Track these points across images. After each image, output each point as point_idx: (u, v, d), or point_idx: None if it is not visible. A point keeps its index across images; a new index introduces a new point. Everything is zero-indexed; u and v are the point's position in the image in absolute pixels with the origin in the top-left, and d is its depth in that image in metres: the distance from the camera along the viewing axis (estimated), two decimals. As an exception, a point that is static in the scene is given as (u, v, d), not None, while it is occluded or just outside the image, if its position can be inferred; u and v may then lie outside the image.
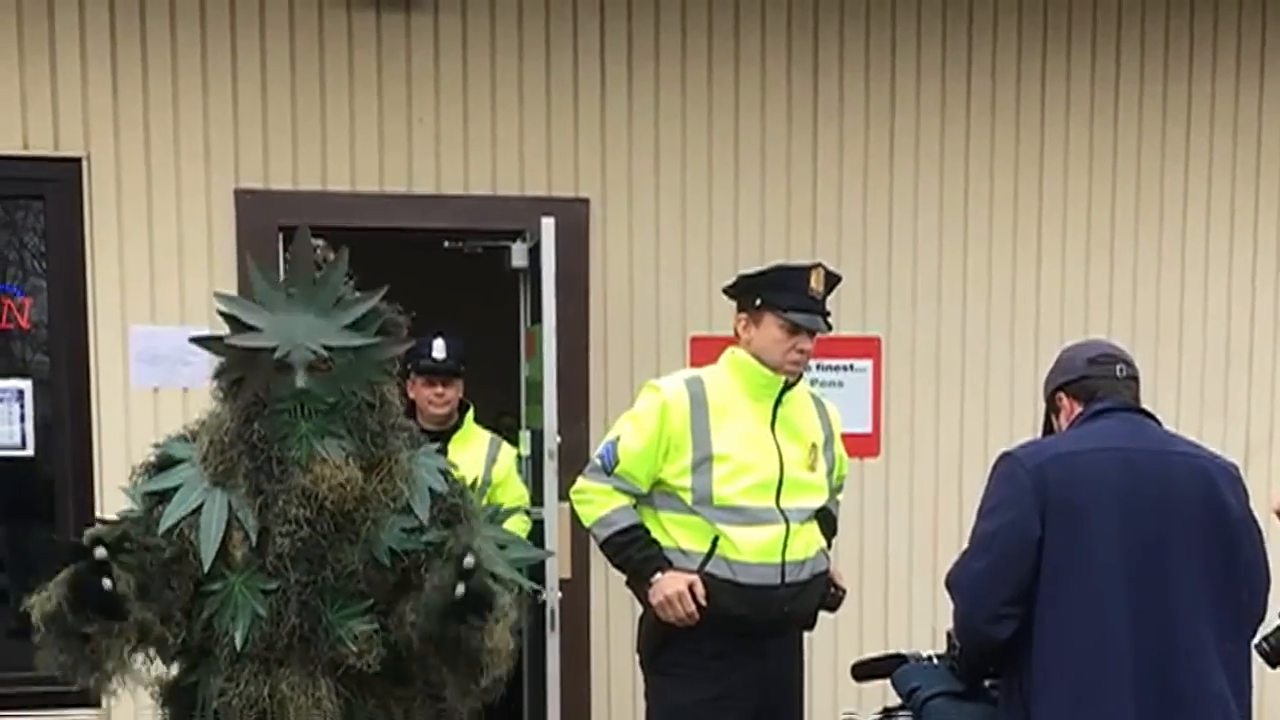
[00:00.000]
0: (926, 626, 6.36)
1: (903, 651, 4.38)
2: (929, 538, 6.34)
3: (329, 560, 3.53)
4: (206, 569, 3.50)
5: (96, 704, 5.38)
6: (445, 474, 3.78)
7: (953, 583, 3.77)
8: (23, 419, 5.67)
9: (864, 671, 4.43)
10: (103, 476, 5.61)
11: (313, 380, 3.52)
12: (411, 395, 5.79)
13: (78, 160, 5.63)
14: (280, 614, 3.52)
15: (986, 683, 3.99)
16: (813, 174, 6.20)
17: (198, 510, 3.52)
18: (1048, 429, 3.97)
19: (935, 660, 4.22)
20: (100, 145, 5.63)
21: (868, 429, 6.29)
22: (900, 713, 4.22)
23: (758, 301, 4.41)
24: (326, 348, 3.54)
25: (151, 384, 5.71)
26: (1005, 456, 3.74)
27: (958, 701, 3.98)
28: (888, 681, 4.29)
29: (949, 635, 4.09)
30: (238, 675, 3.57)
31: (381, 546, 3.56)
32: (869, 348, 6.28)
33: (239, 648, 3.50)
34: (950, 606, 3.82)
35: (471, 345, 5.94)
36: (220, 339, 3.60)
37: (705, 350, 5.70)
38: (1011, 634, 3.63)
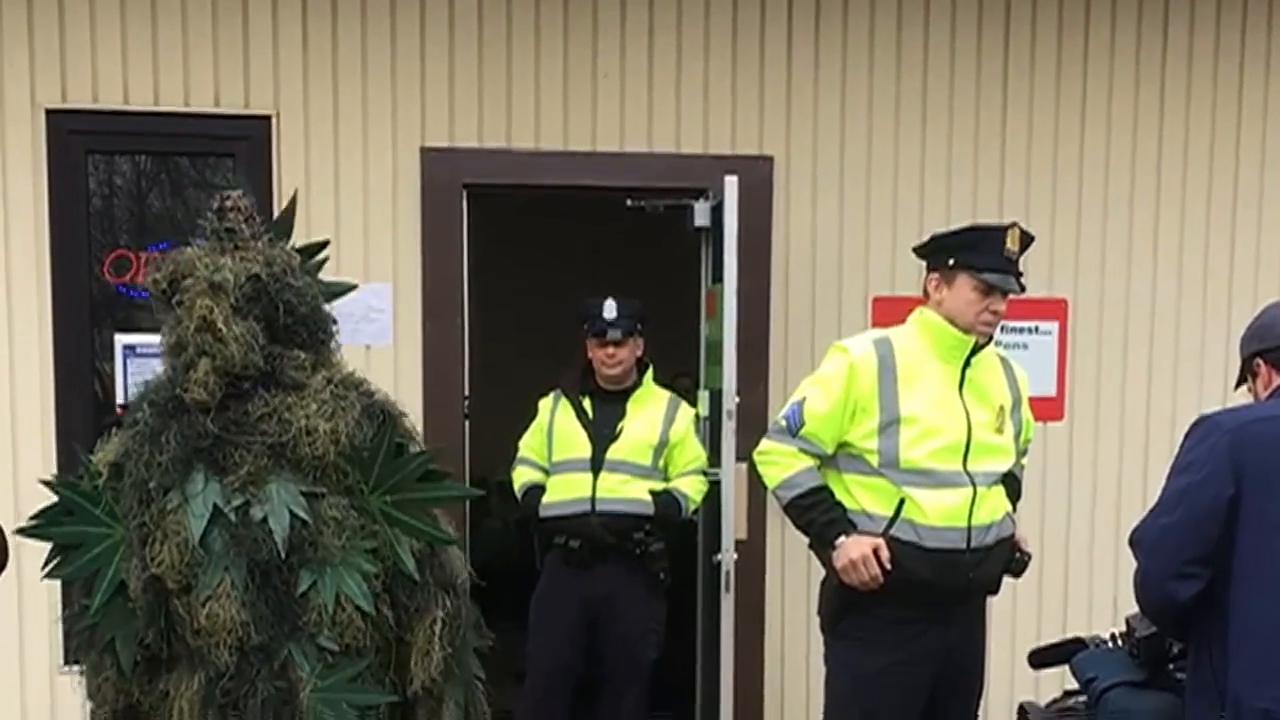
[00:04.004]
0: (1108, 596, 6.26)
1: (1080, 636, 4.30)
2: (1112, 505, 6.23)
3: None
4: None
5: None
6: None
7: (1137, 539, 3.65)
8: (209, 376, 5.75)
9: (1040, 659, 4.37)
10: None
11: None
12: (590, 355, 5.84)
13: (267, 118, 5.71)
14: None
15: (1170, 666, 3.90)
16: (1001, 133, 6.09)
17: None
18: (1240, 383, 3.86)
19: (1116, 642, 4.13)
20: (289, 103, 5.71)
21: (1052, 392, 6.18)
22: (1077, 698, 4.14)
23: (951, 261, 4.33)
24: None
25: (335, 340, 5.77)
26: (1203, 420, 3.63)
27: (1136, 691, 3.90)
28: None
29: (1128, 621, 4.01)
30: None
31: None
32: (1055, 310, 6.17)
33: None
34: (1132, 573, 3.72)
35: (650, 305, 5.95)
36: None
37: (888, 311, 5.66)
38: (1192, 597, 3.52)
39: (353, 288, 4.00)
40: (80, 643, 3.56)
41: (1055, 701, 4.38)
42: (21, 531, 3.53)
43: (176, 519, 3.39)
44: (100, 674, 3.50)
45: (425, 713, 3.65)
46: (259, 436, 3.46)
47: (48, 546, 3.57)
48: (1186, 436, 3.64)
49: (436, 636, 3.59)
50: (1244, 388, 3.84)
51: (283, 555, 3.41)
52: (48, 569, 3.54)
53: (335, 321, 3.86)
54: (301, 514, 3.43)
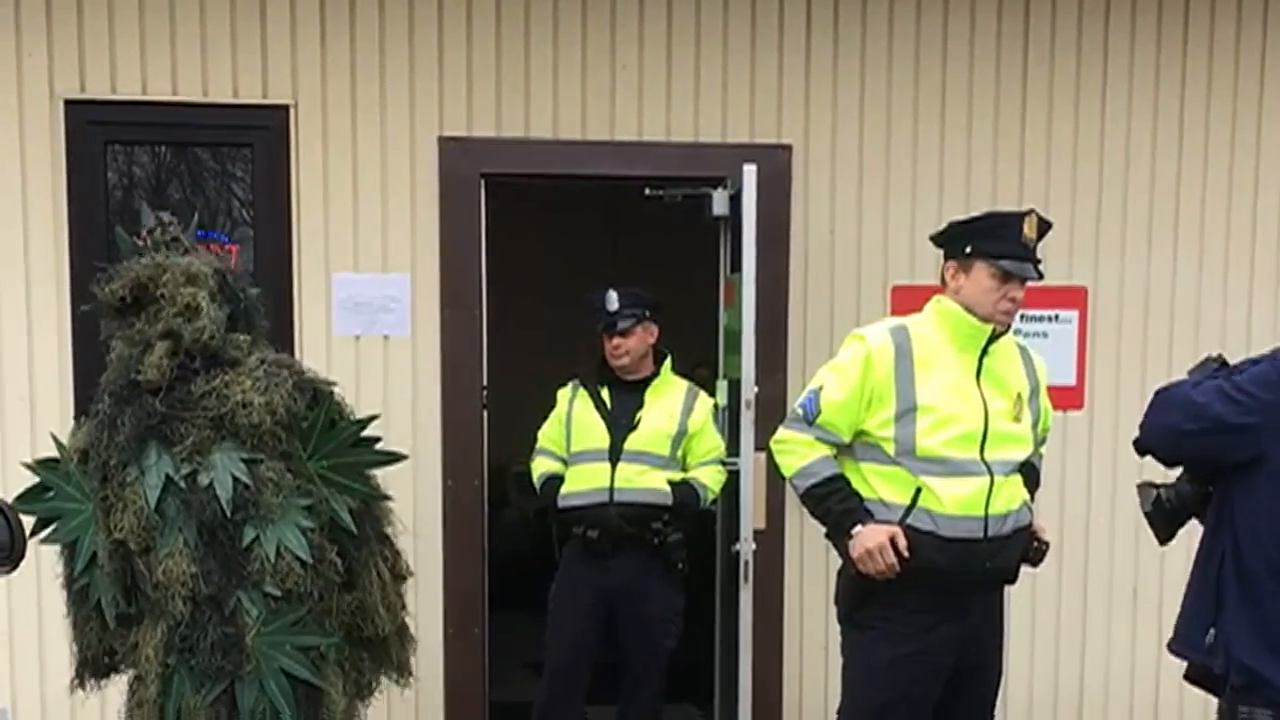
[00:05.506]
0: (1128, 586, 6.25)
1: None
2: (1132, 495, 6.10)
3: None
4: None
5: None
6: None
7: (1157, 409, 3.95)
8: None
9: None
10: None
11: None
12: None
13: (285, 108, 5.72)
14: None
15: None
16: (1021, 121, 6.07)
17: None
18: None
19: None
20: (308, 93, 5.72)
21: (1072, 381, 6.16)
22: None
23: (968, 249, 4.32)
24: None
25: (353, 331, 5.79)
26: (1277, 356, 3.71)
27: None
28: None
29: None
30: None
31: None
32: (1075, 298, 6.14)
33: None
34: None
35: (668, 294, 5.94)
36: None
37: (906, 300, 5.64)
38: None
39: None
40: (73, 598, 4.11)
41: None
42: (9, 506, 3.87)
43: (134, 490, 3.88)
44: (88, 624, 4.08)
45: (389, 647, 4.29)
46: (201, 411, 3.93)
47: (59, 551, 4.10)
48: (1268, 362, 3.74)
49: (389, 585, 4.17)
50: None
51: (228, 514, 3.89)
52: (35, 538, 4.01)
53: (262, 312, 4.40)
54: (242, 477, 3.90)
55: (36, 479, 4.10)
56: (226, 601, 3.89)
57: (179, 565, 3.84)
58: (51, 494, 4.06)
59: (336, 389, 4.22)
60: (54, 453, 4.15)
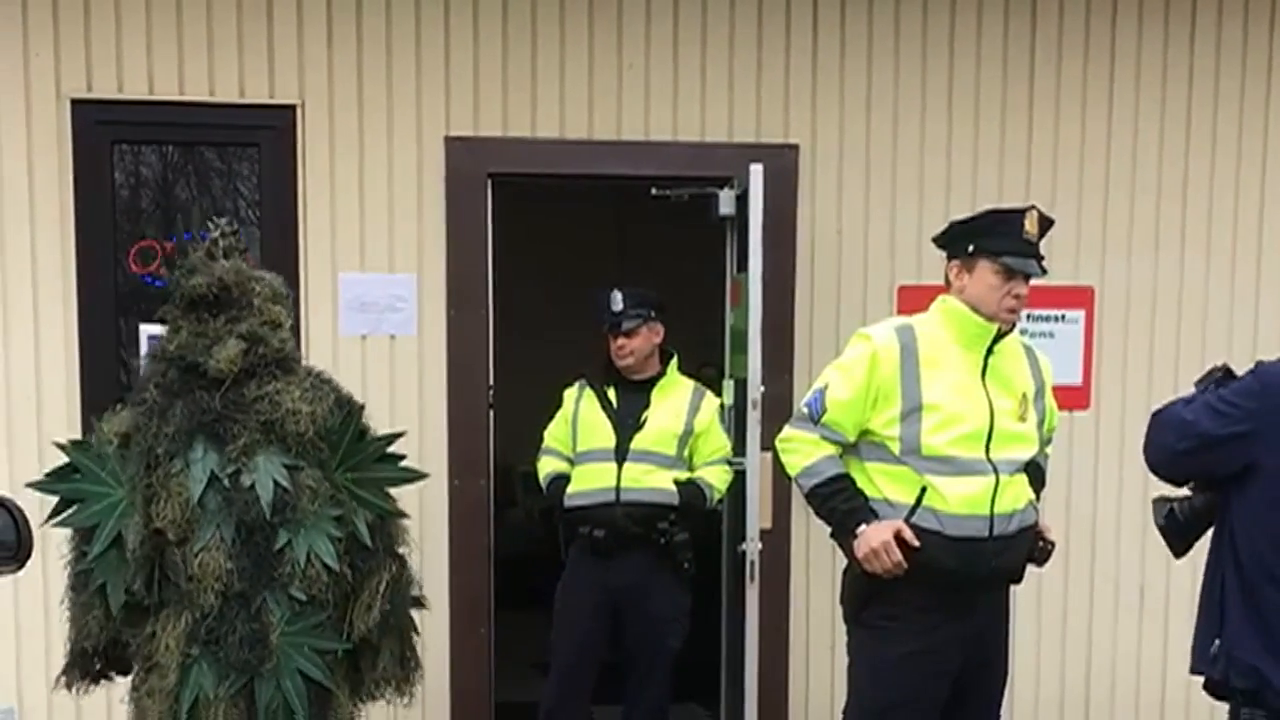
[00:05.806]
0: (1134, 585, 6.23)
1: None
2: (1139, 495, 6.16)
3: None
4: None
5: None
6: None
7: (1156, 427, 3.99)
8: (234, 366, 5.80)
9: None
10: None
11: None
12: None
13: (292, 108, 5.72)
14: None
15: None
16: (1028, 120, 6.06)
17: None
18: None
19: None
20: (314, 93, 5.72)
21: (1078, 381, 6.15)
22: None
23: (970, 248, 4.32)
24: None
25: (359, 331, 5.80)
26: (1266, 374, 3.71)
27: None
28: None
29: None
30: None
31: None
32: (1081, 298, 6.13)
33: None
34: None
35: (675, 293, 5.93)
36: None
37: (913, 299, 5.63)
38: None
39: None
40: (75, 584, 4.06)
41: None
42: (32, 485, 4.03)
43: (179, 481, 3.91)
44: (89, 612, 4.02)
45: (367, 659, 4.17)
46: (254, 414, 3.98)
47: (67, 537, 4.04)
48: (1249, 374, 3.76)
49: (379, 595, 4.11)
50: None
51: (268, 516, 3.93)
52: (54, 520, 4.01)
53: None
54: (283, 482, 3.95)
55: (64, 460, 4.07)
56: (254, 599, 3.94)
57: (215, 560, 3.89)
58: (79, 475, 4.05)
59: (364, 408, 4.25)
60: (60, 453, 4.12)
